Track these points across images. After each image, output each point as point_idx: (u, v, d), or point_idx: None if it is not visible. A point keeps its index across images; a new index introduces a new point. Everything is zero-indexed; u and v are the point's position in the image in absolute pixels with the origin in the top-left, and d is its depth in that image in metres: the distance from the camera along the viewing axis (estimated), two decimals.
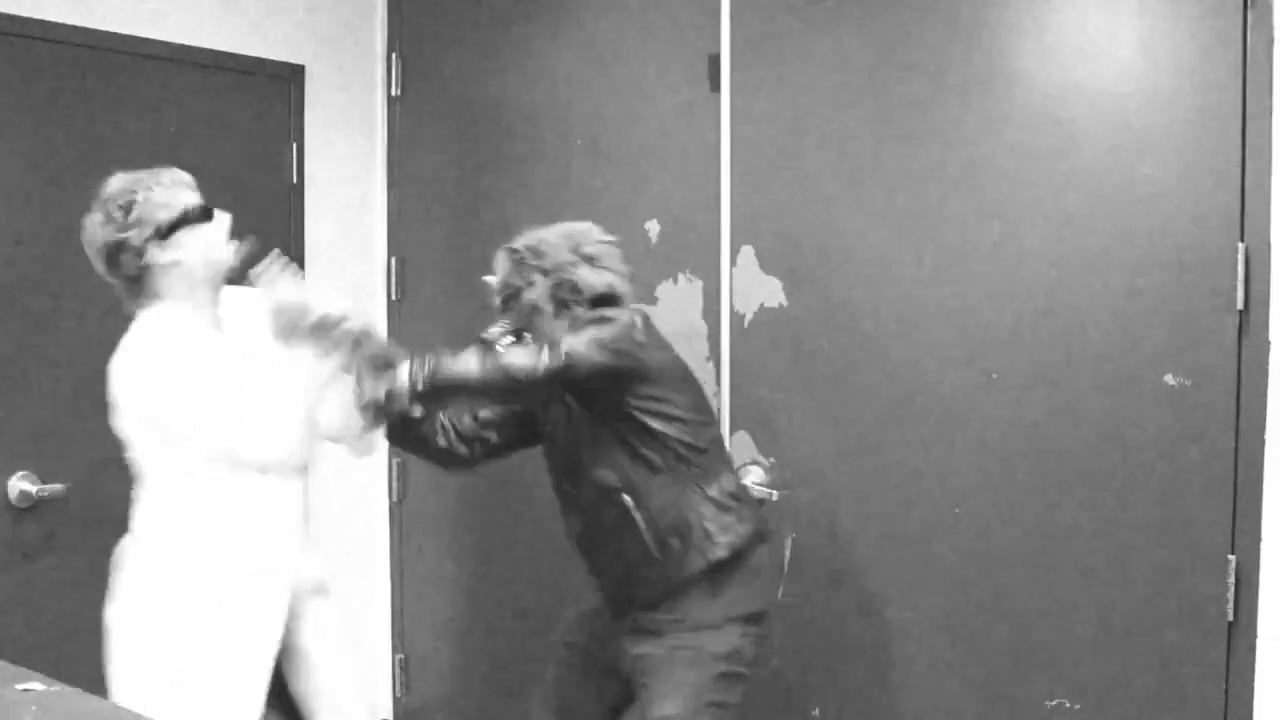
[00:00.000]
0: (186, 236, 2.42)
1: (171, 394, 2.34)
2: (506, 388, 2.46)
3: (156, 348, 2.39)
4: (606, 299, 2.66)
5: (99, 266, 2.47)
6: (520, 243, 2.73)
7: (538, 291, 2.66)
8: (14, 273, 3.13)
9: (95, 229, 2.43)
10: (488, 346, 2.54)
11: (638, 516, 2.56)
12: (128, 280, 2.46)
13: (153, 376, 2.37)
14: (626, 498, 2.57)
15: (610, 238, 2.79)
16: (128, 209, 2.41)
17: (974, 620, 2.93)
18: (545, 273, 2.66)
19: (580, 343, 2.48)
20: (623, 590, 2.66)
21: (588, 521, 2.67)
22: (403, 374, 2.40)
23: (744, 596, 2.61)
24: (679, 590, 2.57)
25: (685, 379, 2.69)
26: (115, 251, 2.41)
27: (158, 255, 2.41)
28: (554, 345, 2.46)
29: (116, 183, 2.46)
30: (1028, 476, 2.84)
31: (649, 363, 2.57)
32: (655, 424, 2.57)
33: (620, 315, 2.59)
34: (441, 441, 2.74)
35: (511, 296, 2.71)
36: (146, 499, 2.47)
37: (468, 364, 2.43)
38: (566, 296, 2.65)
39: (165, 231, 2.40)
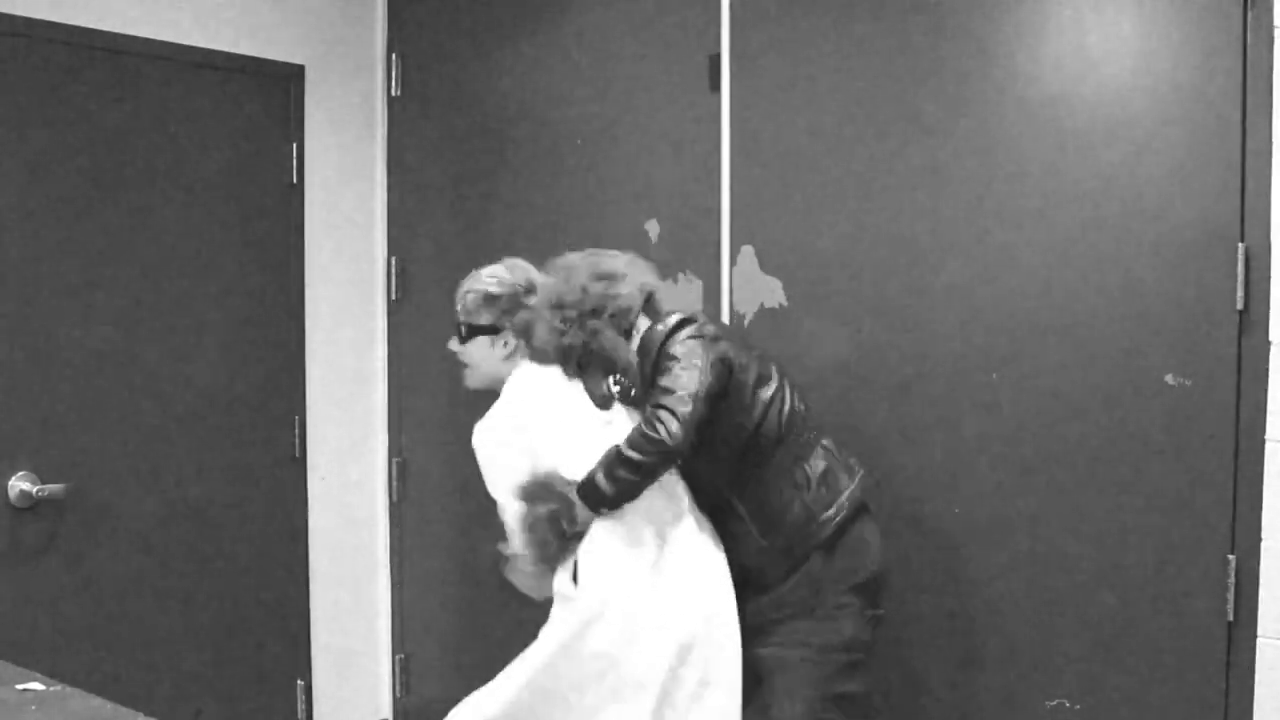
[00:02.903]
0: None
1: None
2: (665, 459, 2.51)
3: None
4: (649, 300, 2.74)
5: None
6: (547, 304, 2.71)
7: (607, 338, 2.68)
8: (14, 272, 3.13)
9: None
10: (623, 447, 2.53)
11: (741, 511, 2.64)
12: None
13: None
14: (729, 495, 2.65)
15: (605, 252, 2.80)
16: None
17: (974, 620, 2.93)
18: (597, 314, 2.67)
19: (679, 395, 2.48)
20: (742, 572, 2.69)
21: (708, 508, 2.73)
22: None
23: (850, 569, 2.62)
24: (789, 574, 2.62)
25: (751, 362, 2.65)
26: None
27: None
28: (667, 409, 2.47)
29: None
30: (1028, 476, 2.84)
31: (732, 360, 2.59)
32: (742, 419, 2.59)
33: (687, 331, 2.57)
34: None
35: (584, 355, 2.71)
36: None
37: (623, 474, 2.50)
38: (627, 323, 2.69)
39: None
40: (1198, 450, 2.63)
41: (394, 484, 4.02)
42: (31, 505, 3.15)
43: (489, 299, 2.77)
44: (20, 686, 2.10)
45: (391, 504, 4.03)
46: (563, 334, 2.69)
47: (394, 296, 3.97)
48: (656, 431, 2.45)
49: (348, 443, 3.94)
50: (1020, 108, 2.82)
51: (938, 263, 2.94)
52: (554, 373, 2.74)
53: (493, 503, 2.97)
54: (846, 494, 2.63)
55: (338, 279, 3.88)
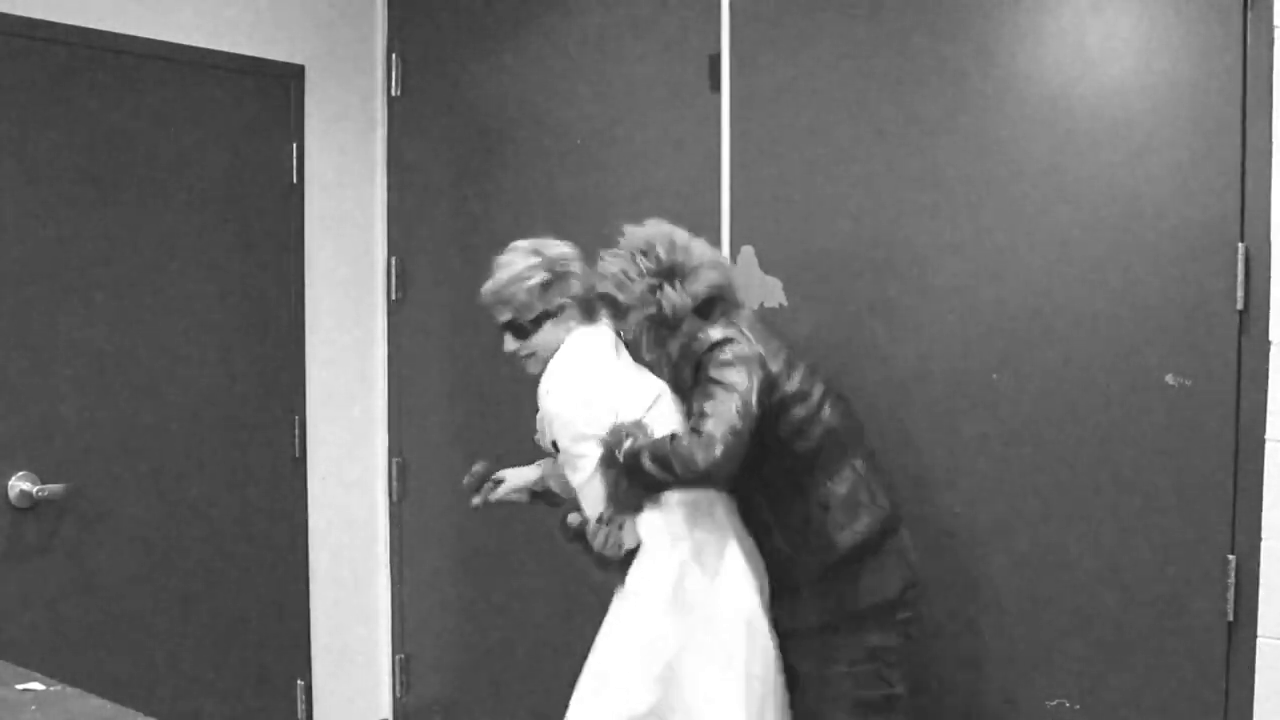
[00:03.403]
0: None
1: None
2: (700, 482, 2.50)
3: None
4: (709, 302, 2.64)
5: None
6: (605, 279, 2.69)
7: (634, 328, 2.66)
8: (14, 272, 3.13)
9: None
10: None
11: (769, 519, 2.66)
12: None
13: None
14: (760, 502, 2.67)
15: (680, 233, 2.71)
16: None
17: (974, 620, 2.93)
18: (637, 308, 2.64)
19: (724, 424, 2.43)
20: (771, 575, 2.72)
21: (740, 511, 2.73)
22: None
23: (873, 588, 2.62)
24: (813, 586, 2.63)
25: (789, 380, 2.61)
26: None
27: None
28: (712, 436, 2.42)
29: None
30: (1028, 476, 2.84)
31: (773, 381, 2.56)
32: (774, 434, 2.57)
33: (729, 353, 2.52)
34: None
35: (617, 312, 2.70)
36: None
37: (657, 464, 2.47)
38: (664, 326, 2.63)
39: None
40: (1198, 450, 2.63)
41: (394, 484, 4.01)
42: (31, 505, 3.14)
43: (545, 287, 2.72)
44: (20, 686, 2.10)
45: (391, 504, 4.03)
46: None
47: (394, 296, 3.97)
48: (702, 455, 2.41)
49: (348, 443, 3.94)
50: (1020, 107, 2.82)
51: (938, 262, 2.93)
52: (604, 330, 2.74)
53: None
54: (865, 522, 2.61)
55: (338, 279, 3.88)
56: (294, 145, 3.73)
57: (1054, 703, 2.82)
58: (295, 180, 3.74)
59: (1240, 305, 2.57)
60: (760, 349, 2.56)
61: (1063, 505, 2.80)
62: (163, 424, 3.44)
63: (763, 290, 3.18)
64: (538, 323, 2.74)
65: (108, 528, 3.33)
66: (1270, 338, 2.53)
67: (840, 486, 2.61)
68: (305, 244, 3.77)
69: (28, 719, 1.95)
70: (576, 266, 2.76)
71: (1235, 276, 2.57)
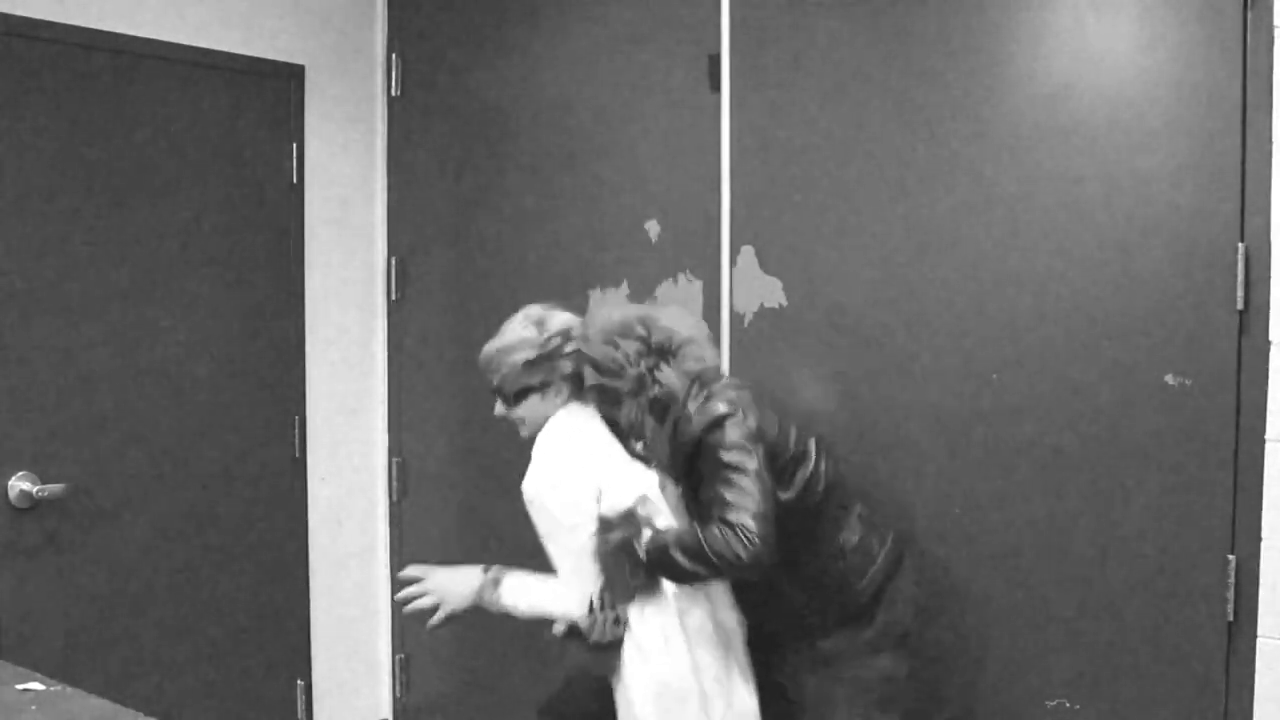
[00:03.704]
0: None
1: None
2: (742, 574, 2.47)
3: None
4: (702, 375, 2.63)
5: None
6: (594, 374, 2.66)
7: (632, 413, 2.63)
8: (14, 272, 3.13)
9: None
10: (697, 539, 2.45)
11: (781, 576, 2.61)
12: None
13: None
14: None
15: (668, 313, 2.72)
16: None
17: (974, 620, 2.93)
18: (634, 393, 2.62)
19: (753, 512, 2.40)
20: (774, 624, 2.74)
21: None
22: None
23: (889, 622, 2.65)
24: (826, 629, 2.64)
25: (790, 442, 2.60)
26: None
27: None
28: (738, 526, 2.38)
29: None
30: (1028, 476, 2.84)
31: (774, 448, 2.55)
32: (780, 495, 2.54)
33: (732, 433, 2.49)
34: None
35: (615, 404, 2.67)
36: None
37: (686, 559, 2.45)
38: (664, 403, 2.61)
39: None
40: (1198, 450, 2.63)
41: (394, 484, 4.02)
42: (31, 505, 3.14)
43: (529, 365, 2.72)
44: (20, 686, 2.10)
45: (391, 504, 4.03)
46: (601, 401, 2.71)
47: (394, 296, 3.97)
48: (741, 546, 2.37)
49: (348, 443, 3.95)
50: (1020, 107, 2.82)
51: (937, 262, 2.93)
52: (591, 414, 2.74)
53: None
54: (880, 559, 2.64)
55: (338, 279, 3.88)
56: (294, 145, 3.73)
57: (1054, 703, 2.82)
58: (295, 180, 3.74)
59: (1240, 305, 2.57)
60: (756, 421, 2.53)
61: (1062, 505, 2.80)
62: (163, 424, 3.44)
63: (762, 291, 3.18)
64: (520, 396, 2.75)
65: (108, 528, 3.33)
66: (1270, 338, 2.53)
67: (852, 535, 2.63)
68: (305, 244, 3.77)
69: (28, 719, 1.95)
70: (571, 346, 2.72)
71: (1235, 276, 2.57)
